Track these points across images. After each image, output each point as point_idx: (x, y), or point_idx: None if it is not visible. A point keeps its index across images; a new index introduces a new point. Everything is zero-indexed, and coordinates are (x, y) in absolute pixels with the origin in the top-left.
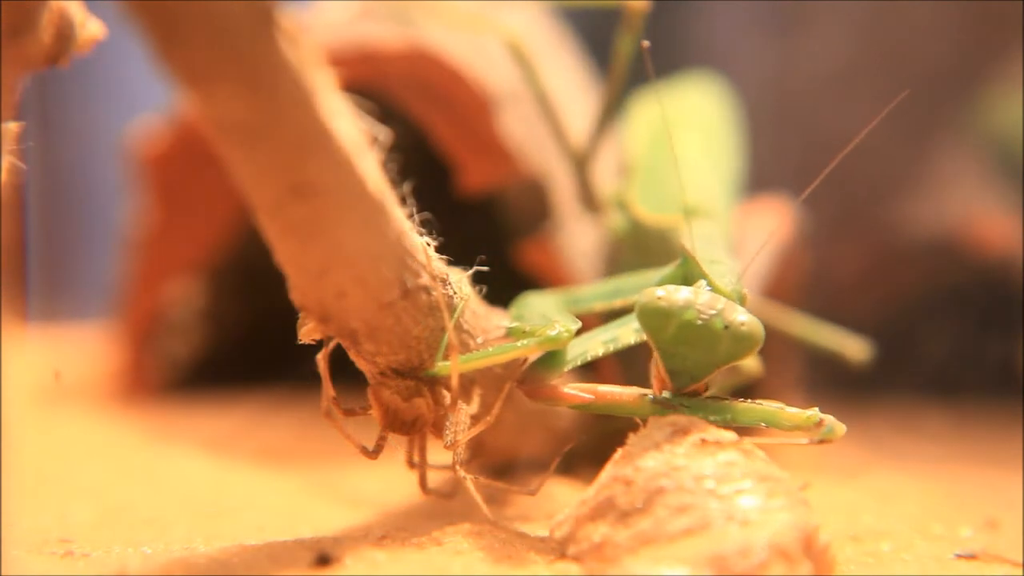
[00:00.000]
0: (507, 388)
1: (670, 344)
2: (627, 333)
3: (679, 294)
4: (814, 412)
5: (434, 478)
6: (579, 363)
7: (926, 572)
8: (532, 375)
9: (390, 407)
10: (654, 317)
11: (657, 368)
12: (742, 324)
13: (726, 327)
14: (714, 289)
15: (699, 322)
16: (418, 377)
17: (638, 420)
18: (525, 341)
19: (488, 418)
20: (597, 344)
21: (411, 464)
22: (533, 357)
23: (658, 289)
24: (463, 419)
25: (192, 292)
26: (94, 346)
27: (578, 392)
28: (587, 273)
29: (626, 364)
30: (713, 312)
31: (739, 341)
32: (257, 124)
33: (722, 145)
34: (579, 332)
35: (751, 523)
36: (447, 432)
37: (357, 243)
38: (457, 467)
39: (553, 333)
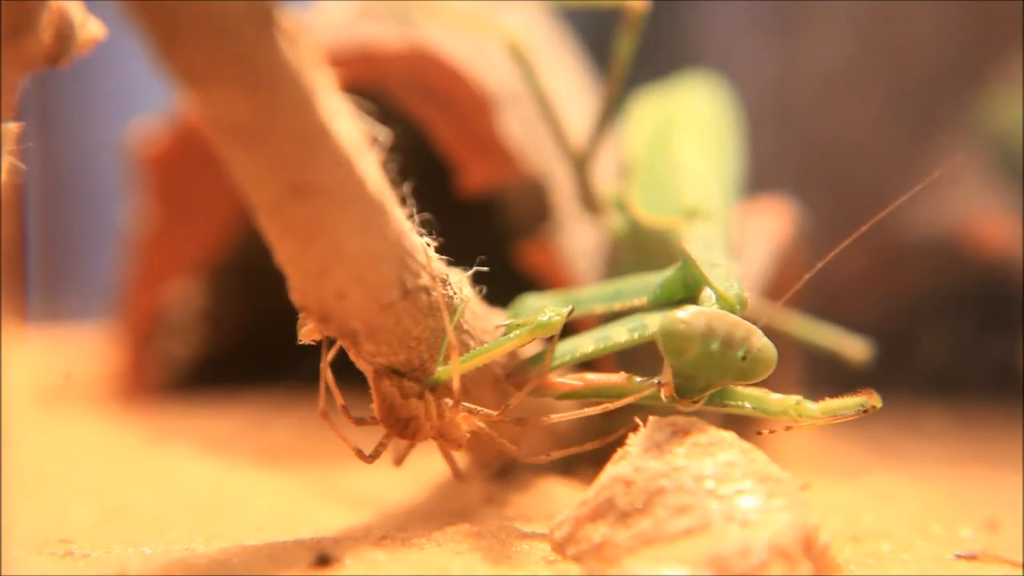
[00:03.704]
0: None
1: (685, 366)
2: (619, 333)
3: (701, 321)
4: (799, 398)
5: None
6: (567, 359)
7: (926, 572)
8: (522, 369)
9: (387, 399)
10: (675, 341)
11: (666, 374)
12: (760, 351)
13: (744, 357)
14: (719, 296)
15: (720, 353)
16: (421, 381)
17: (637, 420)
18: (517, 331)
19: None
20: (588, 342)
21: (397, 462)
22: (527, 351)
23: (679, 311)
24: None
25: (192, 292)
26: (94, 346)
27: (567, 380)
28: (587, 274)
29: (626, 365)
30: (735, 344)
31: (755, 366)
32: (257, 124)
33: (722, 145)
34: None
35: (751, 523)
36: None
37: (357, 243)
38: (460, 472)
39: (544, 319)
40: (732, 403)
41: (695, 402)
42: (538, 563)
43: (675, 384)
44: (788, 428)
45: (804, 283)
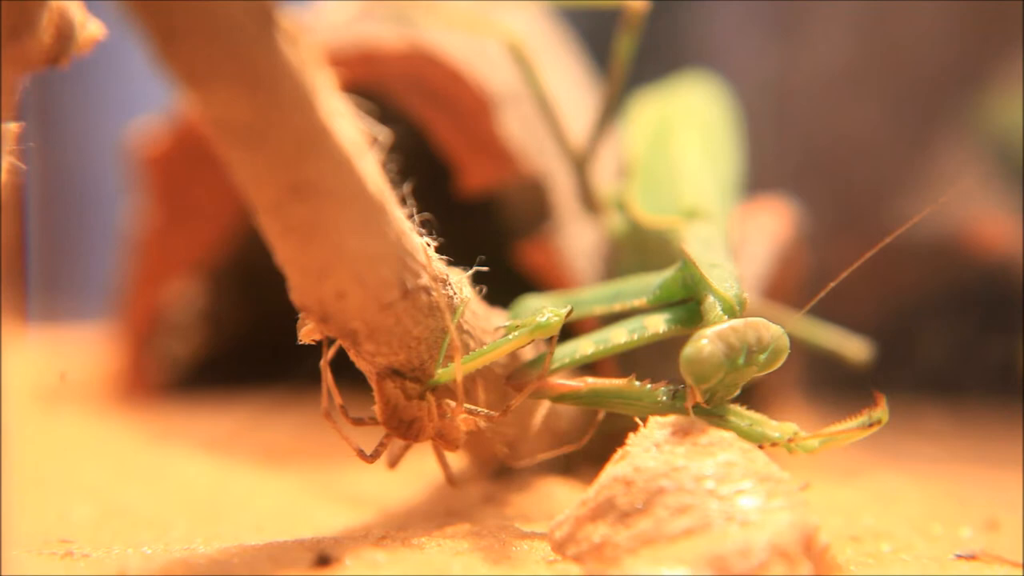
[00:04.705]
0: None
1: (712, 387)
2: (619, 334)
3: (720, 347)
4: (793, 425)
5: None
6: (567, 361)
7: (926, 572)
8: (522, 372)
9: (391, 401)
10: (700, 370)
11: (694, 392)
12: (775, 343)
13: (764, 356)
14: (719, 299)
15: (745, 364)
16: (422, 382)
17: (637, 420)
18: (517, 332)
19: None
20: (588, 344)
21: (391, 465)
22: (528, 354)
23: (701, 339)
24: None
25: (192, 292)
26: (94, 346)
27: (567, 382)
28: (587, 273)
29: (627, 367)
30: (757, 350)
31: (773, 358)
32: (257, 124)
33: (722, 145)
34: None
35: (751, 523)
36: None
37: (357, 243)
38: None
39: (543, 320)
40: (732, 420)
41: (723, 402)
42: (538, 563)
43: (706, 397)
44: (790, 443)
45: (798, 279)
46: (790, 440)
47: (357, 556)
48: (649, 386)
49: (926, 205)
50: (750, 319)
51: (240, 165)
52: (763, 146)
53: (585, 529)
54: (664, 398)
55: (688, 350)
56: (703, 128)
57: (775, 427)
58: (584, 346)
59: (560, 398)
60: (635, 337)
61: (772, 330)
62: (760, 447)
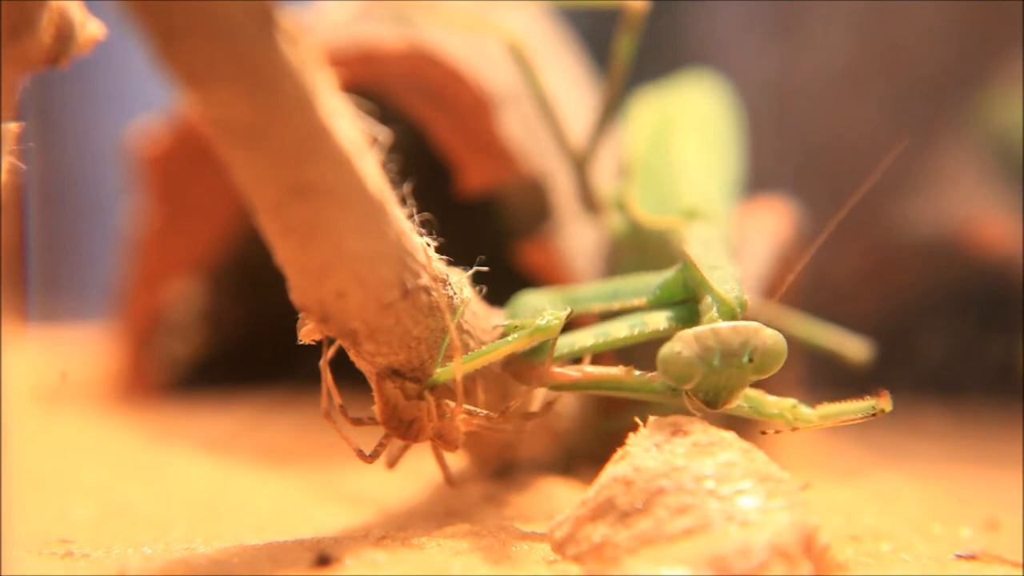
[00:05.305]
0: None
1: (698, 386)
2: (619, 328)
3: (692, 348)
4: (794, 402)
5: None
6: (565, 352)
7: (926, 572)
8: (519, 359)
9: (390, 400)
10: (675, 370)
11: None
12: (767, 347)
13: (751, 359)
14: (718, 300)
15: (723, 365)
16: (421, 382)
17: (637, 420)
18: (516, 334)
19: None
20: (587, 336)
21: (390, 465)
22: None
23: (673, 341)
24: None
25: (192, 292)
26: (94, 346)
27: (565, 371)
28: (587, 273)
29: (625, 362)
30: (735, 352)
31: (765, 361)
32: (257, 125)
33: (722, 145)
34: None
35: (751, 523)
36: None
37: (357, 243)
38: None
39: (542, 322)
40: (732, 409)
41: (724, 407)
42: (538, 563)
43: (702, 398)
44: (794, 429)
45: (798, 278)
46: (793, 408)
47: (357, 556)
48: (648, 376)
49: (925, 204)
50: (740, 324)
51: (240, 165)
52: (763, 146)
53: (585, 529)
54: (661, 389)
55: (663, 347)
56: (703, 128)
57: (773, 403)
58: (583, 338)
59: (556, 387)
60: (635, 332)
61: (764, 336)
62: (763, 433)
